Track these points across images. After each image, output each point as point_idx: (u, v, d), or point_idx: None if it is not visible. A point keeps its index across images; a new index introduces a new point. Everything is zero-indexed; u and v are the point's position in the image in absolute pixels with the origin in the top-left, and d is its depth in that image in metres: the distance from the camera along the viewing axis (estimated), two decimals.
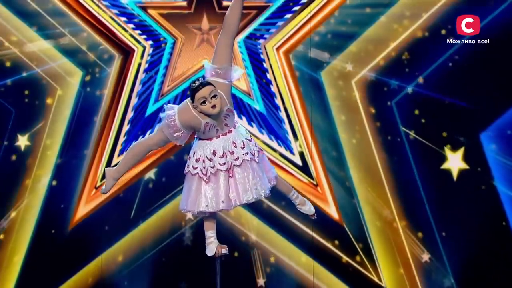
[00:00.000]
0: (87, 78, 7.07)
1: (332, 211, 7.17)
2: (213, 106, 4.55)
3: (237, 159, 4.65)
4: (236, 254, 7.11)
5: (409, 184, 7.11)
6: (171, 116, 4.66)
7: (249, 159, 4.65)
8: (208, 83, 4.59)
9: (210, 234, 4.90)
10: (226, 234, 6.97)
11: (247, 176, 4.65)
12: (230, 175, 4.67)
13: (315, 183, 7.12)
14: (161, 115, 4.74)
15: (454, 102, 7.01)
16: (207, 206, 4.67)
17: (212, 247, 4.86)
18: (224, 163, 4.65)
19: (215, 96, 4.56)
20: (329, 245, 7.19)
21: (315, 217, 5.07)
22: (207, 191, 4.68)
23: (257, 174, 4.66)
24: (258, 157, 4.70)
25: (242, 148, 4.66)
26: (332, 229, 7.17)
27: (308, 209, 5.04)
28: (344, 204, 7.17)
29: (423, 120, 7.07)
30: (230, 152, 4.66)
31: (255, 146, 4.73)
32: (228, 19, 4.78)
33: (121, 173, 4.80)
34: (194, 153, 4.73)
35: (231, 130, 4.69)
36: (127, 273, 7.20)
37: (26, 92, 7.05)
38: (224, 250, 4.87)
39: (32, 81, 7.07)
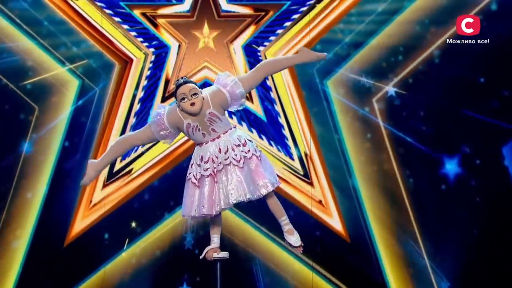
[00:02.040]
0: (85, 88, 7.18)
1: (335, 222, 7.24)
2: (192, 104, 4.61)
3: (219, 164, 4.68)
4: (236, 258, 7.14)
5: (415, 192, 7.15)
6: (160, 114, 4.73)
7: (228, 164, 4.67)
8: (190, 82, 4.67)
9: (212, 238, 4.93)
10: (227, 238, 7.03)
11: (226, 181, 4.67)
12: (215, 180, 4.70)
13: (310, 182, 7.18)
14: (152, 112, 4.80)
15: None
16: (195, 211, 4.72)
17: (205, 249, 4.90)
18: (208, 169, 4.69)
19: (195, 94, 4.62)
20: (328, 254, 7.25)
21: (301, 251, 4.84)
22: (196, 196, 4.73)
23: (235, 178, 4.65)
24: (243, 162, 4.68)
25: (225, 153, 4.68)
26: (334, 239, 7.22)
27: (295, 240, 4.81)
28: (345, 209, 7.23)
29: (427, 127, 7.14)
30: (216, 157, 4.69)
31: (246, 152, 4.69)
32: (275, 66, 4.83)
33: (102, 165, 4.85)
34: (191, 159, 4.82)
35: (220, 136, 4.72)
36: (130, 277, 7.26)
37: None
38: (216, 254, 4.88)
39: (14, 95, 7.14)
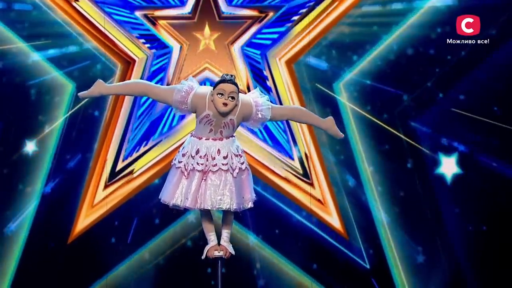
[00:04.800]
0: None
1: (334, 221, 7.29)
2: (225, 104, 4.65)
3: (215, 165, 4.73)
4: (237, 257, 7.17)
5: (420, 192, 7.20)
6: (190, 87, 4.76)
7: (225, 170, 4.73)
8: (235, 84, 4.69)
9: (208, 236, 4.99)
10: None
11: (217, 185, 4.73)
12: (204, 178, 4.74)
13: (310, 182, 7.23)
14: (183, 81, 4.79)
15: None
16: (181, 201, 4.76)
17: (205, 249, 4.96)
18: (202, 164, 4.73)
19: (233, 98, 4.66)
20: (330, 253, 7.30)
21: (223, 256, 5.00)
22: (183, 186, 4.76)
23: (228, 187, 4.73)
24: (237, 173, 4.77)
25: (224, 158, 4.74)
26: (333, 237, 7.27)
27: (222, 251, 4.99)
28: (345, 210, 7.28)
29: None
30: (211, 157, 4.74)
31: (241, 163, 4.80)
32: (303, 117, 4.99)
33: (108, 92, 4.94)
34: (183, 148, 4.84)
35: (222, 139, 4.79)
36: (133, 276, 7.30)
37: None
38: (217, 252, 4.93)
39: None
